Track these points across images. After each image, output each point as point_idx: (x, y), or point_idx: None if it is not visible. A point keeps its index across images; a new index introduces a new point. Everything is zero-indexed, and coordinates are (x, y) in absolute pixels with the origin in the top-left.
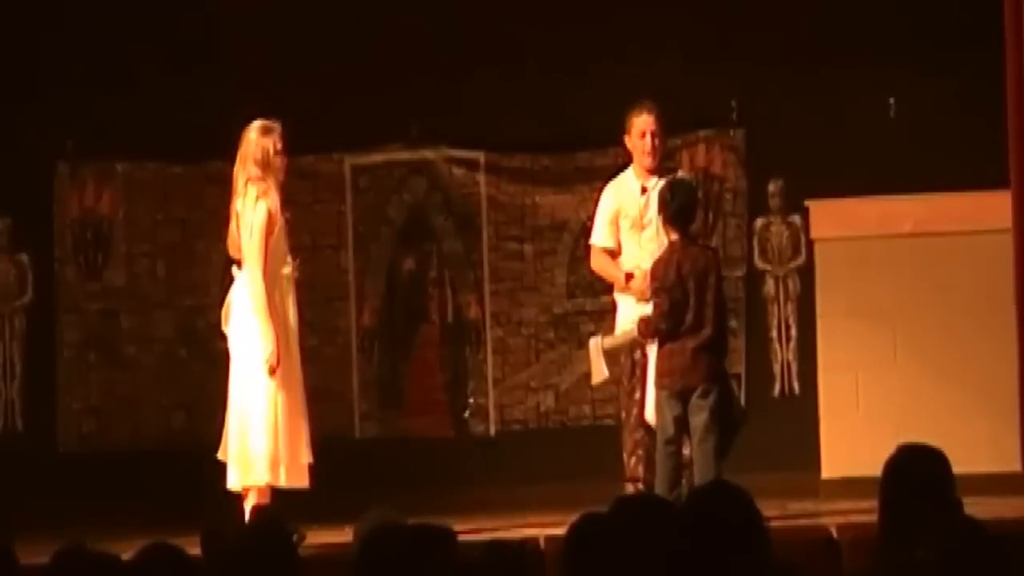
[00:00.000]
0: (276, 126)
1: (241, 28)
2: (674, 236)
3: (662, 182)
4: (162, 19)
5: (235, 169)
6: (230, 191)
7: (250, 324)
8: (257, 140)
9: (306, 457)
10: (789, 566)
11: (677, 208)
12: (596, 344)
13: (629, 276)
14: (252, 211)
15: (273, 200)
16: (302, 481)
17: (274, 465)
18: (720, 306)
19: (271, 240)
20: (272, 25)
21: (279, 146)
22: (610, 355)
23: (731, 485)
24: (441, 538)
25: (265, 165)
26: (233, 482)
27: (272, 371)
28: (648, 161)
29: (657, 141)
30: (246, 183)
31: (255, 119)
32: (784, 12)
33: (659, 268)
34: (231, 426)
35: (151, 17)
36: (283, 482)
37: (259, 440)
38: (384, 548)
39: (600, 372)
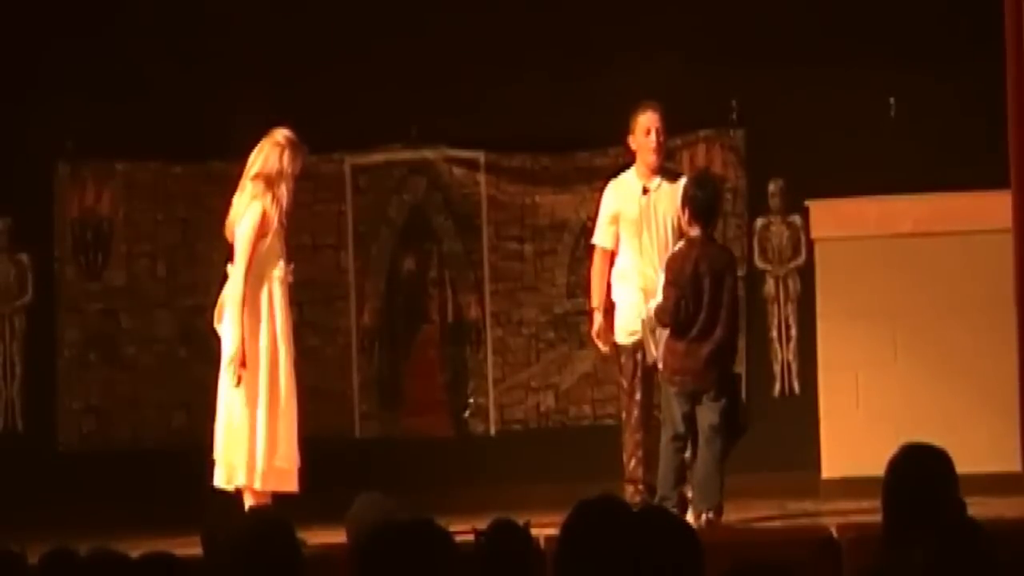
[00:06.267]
0: (303, 151)
1: (241, 28)
2: (694, 232)
3: (664, 183)
4: (162, 19)
5: (249, 160)
6: (230, 190)
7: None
8: (280, 155)
9: (291, 462)
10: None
11: (702, 204)
12: (645, 319)
13: (601, 308)
14: (246, 208)
15: (269, 204)
16: (285, 486)
17: (251, 468)
18: (734, 308)
19: (261, 242)
20: (272, 25)
21: (297, 172)
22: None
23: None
24: (440, 536)
25: (276, 178)
26: (217, 480)
27: (234, 368)
28: (652, 158)
29: (662, 138)
30: (251, 180)
31: (283, 125)
32: (784, 12)
33: (676, 262)
34: (217, 424)
35: (151, 17)
36: (259, 485)
37: (239, 441)
38: (386, 547)
39: (651, 352)
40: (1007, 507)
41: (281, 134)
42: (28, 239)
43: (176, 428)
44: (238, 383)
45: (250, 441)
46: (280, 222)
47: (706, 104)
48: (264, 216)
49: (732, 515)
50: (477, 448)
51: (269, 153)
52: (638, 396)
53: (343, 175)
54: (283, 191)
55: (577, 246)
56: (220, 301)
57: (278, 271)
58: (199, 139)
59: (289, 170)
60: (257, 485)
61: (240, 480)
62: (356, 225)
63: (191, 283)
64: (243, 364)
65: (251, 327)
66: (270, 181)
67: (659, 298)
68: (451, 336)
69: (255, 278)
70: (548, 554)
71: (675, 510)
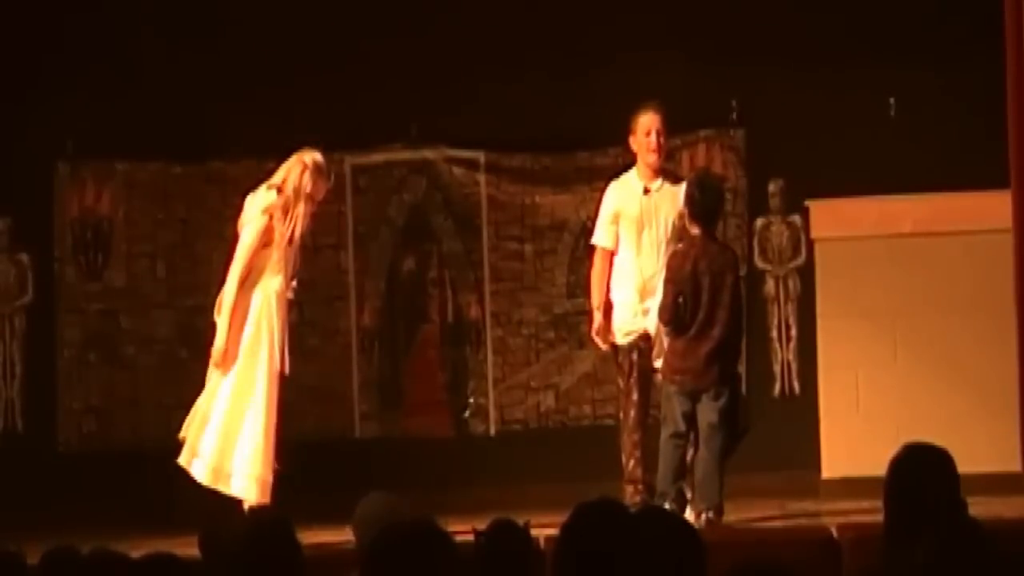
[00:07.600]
0: (326, 178)
1: (242, 28)
2: (696, 231)
3: (666, 184)
4: (163, 19)
5: (280, 168)
6: (230, 190)
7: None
8: (300, 174)
9: (263, 471)
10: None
11: (701, 208)
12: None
13: (601, 307)
14: (253, 214)
15: (278, 218)
16: (255, 496)
17: (210, 469)
18: (735, 307)
19: (264, 251)
20: (273, 25)
21: (317, 197)
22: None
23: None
24: (440, 537)
25: (292, 196)
26: (201, 476)
27: (217, 365)
28: (652, 159)
29: (662, 139)
30: (267, 188)
31: (314, 146)
32: (784, 12)
33: (675, 260)
34: (197, 412)
35: (152, 17)
36: (233, 491)
37: (204, 436)
38: (387, 548)
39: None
40: (1007, 507)
41: (310, 156)
42: (28, 239)
43: (176, 428)
44: (219, 368)
45: (206, 440)
46: (290, 241)
47: (706, 104)
48: (268, 227)
49: (732, 515)
50: (477, 448)
51: (292, 169)
52: (635, 396)
53: (343, 175)
54: (300, 211)
55: (577, 246)
56: (221, 294)
57: (277, 285)
58: (199, 139)
59: (307, 191)
60: (231, 491)
61: (192, 470)
62: (356, 225)
63: (191, 283)
64: (222, 361)
65: (234, 335)
66: (286, 197)
67: (659, 297)
68: (451, 336)
69: (250, 286)
70: (548, 554)
71: (673, 505)
